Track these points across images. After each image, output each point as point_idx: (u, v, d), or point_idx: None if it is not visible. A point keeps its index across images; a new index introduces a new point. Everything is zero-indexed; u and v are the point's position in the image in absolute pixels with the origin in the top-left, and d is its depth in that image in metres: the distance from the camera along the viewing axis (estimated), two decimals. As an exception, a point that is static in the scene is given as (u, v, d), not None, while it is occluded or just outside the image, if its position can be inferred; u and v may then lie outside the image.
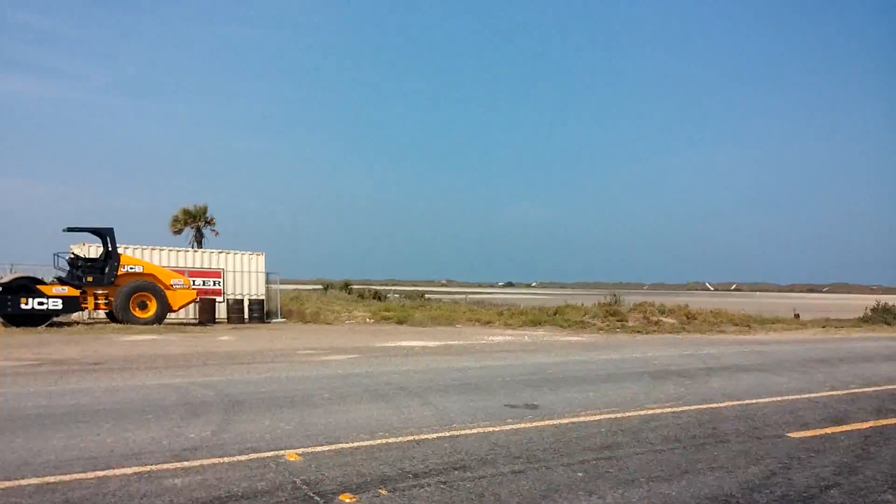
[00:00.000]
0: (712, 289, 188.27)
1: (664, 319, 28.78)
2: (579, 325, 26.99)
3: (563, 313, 30.10)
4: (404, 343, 18.39)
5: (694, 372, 12.58)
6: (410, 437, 6.70)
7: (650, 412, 8.32)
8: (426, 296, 51.47)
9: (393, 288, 71.99)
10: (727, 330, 26.75)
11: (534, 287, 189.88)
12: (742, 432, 7.24)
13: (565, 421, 7.67)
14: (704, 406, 8.85)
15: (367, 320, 28.86)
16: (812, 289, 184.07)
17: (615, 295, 35.47)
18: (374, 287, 61.06)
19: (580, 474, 5.52)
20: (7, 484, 4.92)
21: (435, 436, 6.80)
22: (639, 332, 25.08)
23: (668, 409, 8.51)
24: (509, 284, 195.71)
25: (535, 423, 7.51)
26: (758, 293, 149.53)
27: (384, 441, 6.53)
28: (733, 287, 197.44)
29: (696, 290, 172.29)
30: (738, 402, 9.17)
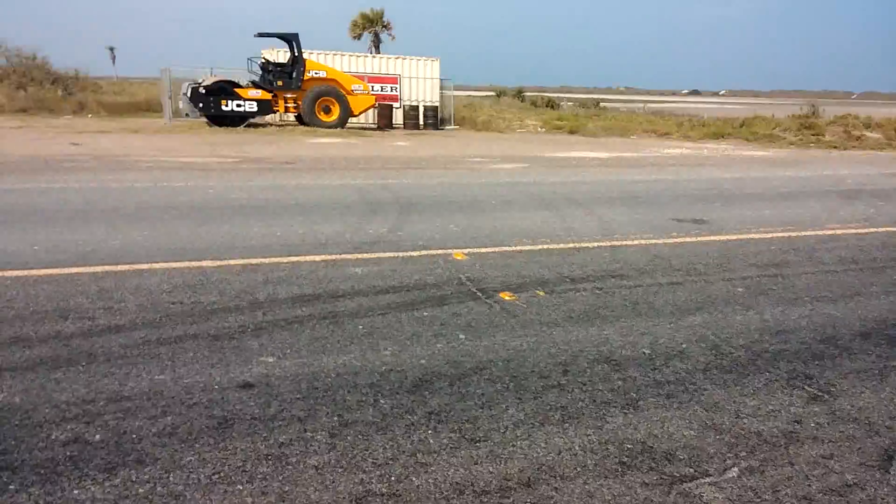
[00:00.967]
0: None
1: (868, 134, 25.90)
2: (768, 139, 25.07)
3: (750, 125, 27.97)
4: (575, 154, 18.23)
5: (891, 192, 11.52)
6: (571, 245, 6.92)
7: (830, 232, 7.88)
8: (601, 104, 49.59)
9: (567, 95, 69.83)
10: (945, 149, 23.66)
11: (721, 95, 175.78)
12: (933, 259, 6.72)
13: (733, 237, 7.50)
14: (894, 228, 8.20)
15: (539, 129, 28.62)
16: None
17: (813, 105, 32.07)
18: (547, 95, 59.57)
19: (740, 289, 5.51)
20: (218, 263, 5.81)
21: (595, 245, 6.97)
22: (836, 147, 22.90)
23: (852, 230, 8.01)
24: (694, 92, 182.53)
25: (700, 238, 7.42)
26: None
27: (545, 247, 6.81)
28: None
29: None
30: (937, 228, 8.39)
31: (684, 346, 4.29)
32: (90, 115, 26.75)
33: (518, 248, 6.73)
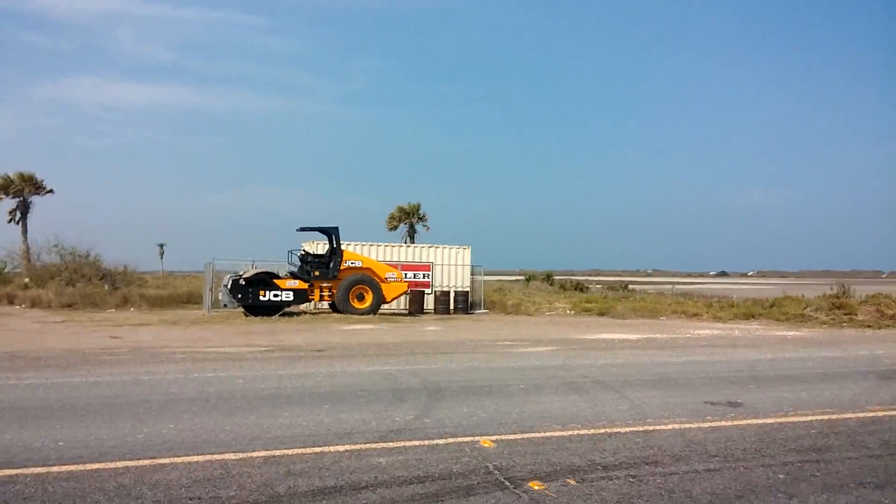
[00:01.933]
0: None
1: (904, 312, 25.53)
2: (799, 319, 24.84)
3: (780, 305, 27.85)
4: (604, 336, 18.20)
5: (933, 372, 11.16)
6: (603, 430, 6.74)
7: (871, 415, 7.59)
8: (630, 287, 50.13)
9: (595, 279, 70.93)
10: None
11: (749, 276, 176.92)
12: (984, 442, 6.39)
13: (770, 420, 7.26)
14: (940, 411, 7.89)
15: (568, 312, 28.83)
16: None
17: (843, 285, 32.01)
18: (576, 278, 60.61)
19: (781, 476, 5.25)
20: (241, 455, 5.75)
21: (628, 430, 6.78)
22: (869, 326, 22.56)
23: (894, 413, 7.70)
24: (722, 274, 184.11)
25: (736, 422, 7.19)
26: None
27: (576, 432, 6.64)
28: None
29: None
30: None
31: (725, 539, 4.03)
32: (132, 309, 27.73)
33: (547, 433, 6.57)
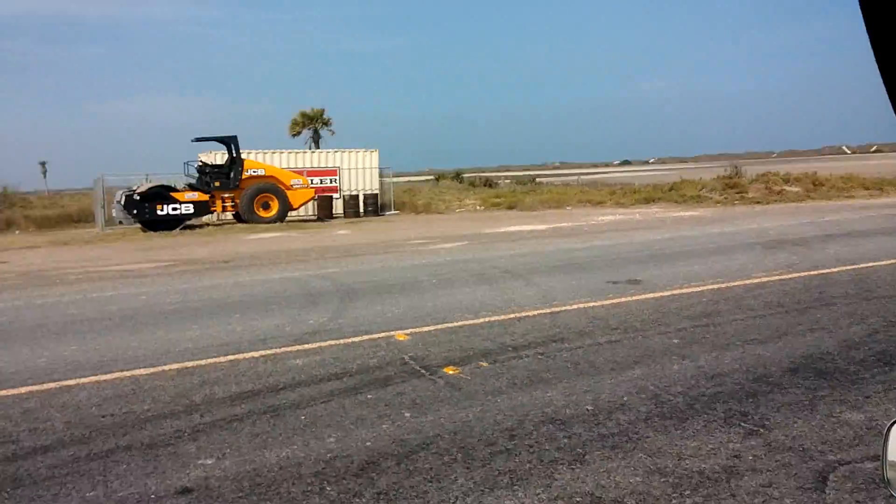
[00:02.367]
0: (849, 152, 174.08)
1: (788, 189, 27.28)
2: (695, 200, 26.13)
3: (678, 189, 29.14)
4: (512, 228, 18.62)
5: (810, 240, 12.09)
6: (512, 315, 6.99)
7: (756, 281, 8.19)
8: (537, 180, 51.07)
9: (504, 174, 71.75)
10: (857, 195, 25.09)
11: (651, 163, 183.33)
12: (851, 295, 7.05)
13: (667, 293, 7.72)
14: (815, 272, 8.60)
15: (478, 208, 29.22)
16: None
17: (735, 166, 33.72)
18: (485, 175, 61.12)
19: (675, 341, 5.64)
20: (152, 370, 5.64)
21: (536, 313, 7.06)
22: (759, 202, 24.02)
23: (776, 277, 8.35)
24: (626, 163, 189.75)
25: (635, 297, 7.61)
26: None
27: (487, 319, 6.86)
28: (873, 149, 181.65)
29: (831, 154, 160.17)
30: (853, 267, 8.83)
31: (625, 398, 4.34)
32: (18, 231, 26.10)
33: (459, 323, 6.76)
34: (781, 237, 12.75)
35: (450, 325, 6.71)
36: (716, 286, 7.98)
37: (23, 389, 5.22)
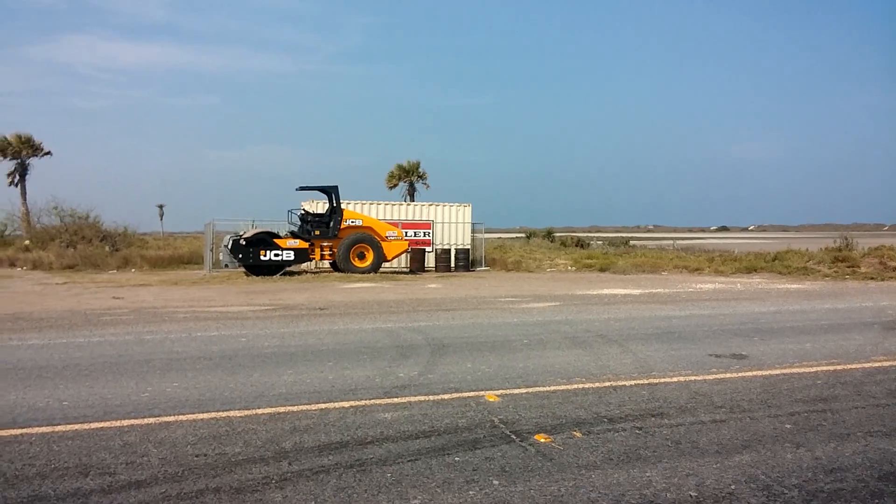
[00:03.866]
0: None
1: (906, 264, 25.49)
2: (801, 272, 24.83)
3: (782, 259, 27.81)
4: (606, 291, 18.19)
5: (938, 322, 11.14)
6: (607, 384, 6.72)
7: (876, 365, 7.58)
8: (630, 242, 50.10)
9: (596, 235, 70.84)
10: None
11: (750, 231, 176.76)
12: None
13: (776, 372, 7.24)
14: (945, 360, 7.87)
15: (569, 268, 28.83)
16: None
17: (846, 238, 31.94)
18: (576, 234, 60.56)
19: (788, 426, 5.23)
20: (246, 412, 5.73)
21: (633, 383, 6.76)
22: (872, 278, 22.54)
23: (900, 363, 7.69)
24: (723, 228, 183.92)
25: (741, 374, 7.17)
26: None
27: (580, 386, 6.62)
28: None
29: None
30: None
31: (733, 487, 4.02)
32: (133, 270, 27.73)
33: (552, 387, 6.56)
34: (902, 318, 11.84)
35: (542, 388, 6.52)
36: (830, 367, 7.43)
37: (125, 422, 5.40)
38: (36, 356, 8.36)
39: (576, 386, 6.62)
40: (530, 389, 6.48)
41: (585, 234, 66.86)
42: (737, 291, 18.11)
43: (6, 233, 38.43)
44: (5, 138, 48.41)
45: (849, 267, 25.08)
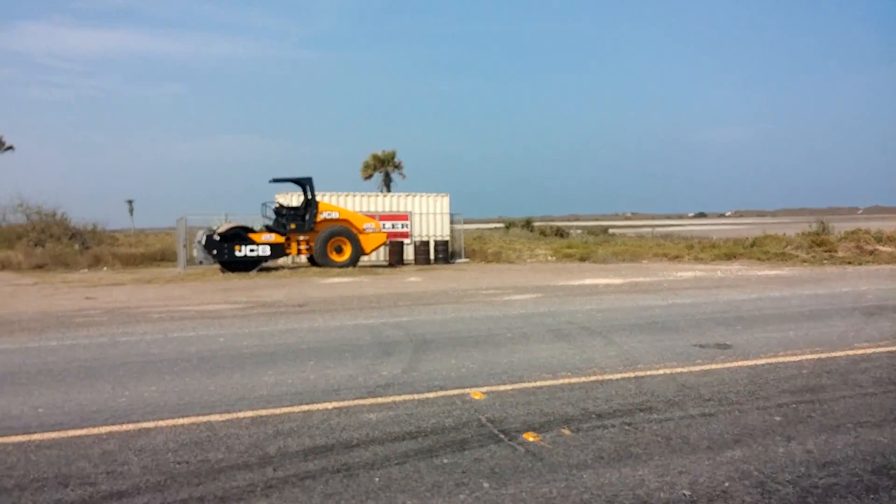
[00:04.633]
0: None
1: (881, 248, 25.85)
2: (779, 258, 25.06)
3: (761, 245, 28.04)
4: (587, 281, 18.20)
5: (916, 307, 11.25)
6: (594, 378, 6.65)
7: (861, 352, 7.59)
8: (610, 231, 50.32)
9: (575, 223, 71.10)
10: (960, 258, 23.51)
11: (728, 217, 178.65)
12: (975, 376, 6.40)
13: (761, 361, 7.23)
14: (928, 346, 7.92)
15: (549, 258, 28.85)
16: None
17: (822, 222, 32.28)
18: (555, 223, 60.69)
19: (778, 418, 5.20)
20: (227, 416, 5.57)
21: (619, 376, 6.71)
22: (850, 263, 22.81)
23: (883, 349, 7.72)
24: (701, 215, 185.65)
25: (727, 364, 7.15)
26: None
27: (567, 381, 6.55)
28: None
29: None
30: (972, 342, 8.09)
31: (727, 484, 3.96)
32: (105, 268, 27.25)
33: (538, 383, 6.48)
34: (881, 302, 11.95)
35: (528, 384, 6.43)
36: (815, 356, 7.43)
37: (103, 429, 5.23)
38: (8, 361, 8.11)
39: (562, 381, 6.54)
40: (516, 386, 6.39)
41: (564, 223, 67.01)
42: (717, 279, 18.20)
43: (-28, 232, 37.58)
44: (-34, 134, 47.26)
45: (826, 251, 25.36)
